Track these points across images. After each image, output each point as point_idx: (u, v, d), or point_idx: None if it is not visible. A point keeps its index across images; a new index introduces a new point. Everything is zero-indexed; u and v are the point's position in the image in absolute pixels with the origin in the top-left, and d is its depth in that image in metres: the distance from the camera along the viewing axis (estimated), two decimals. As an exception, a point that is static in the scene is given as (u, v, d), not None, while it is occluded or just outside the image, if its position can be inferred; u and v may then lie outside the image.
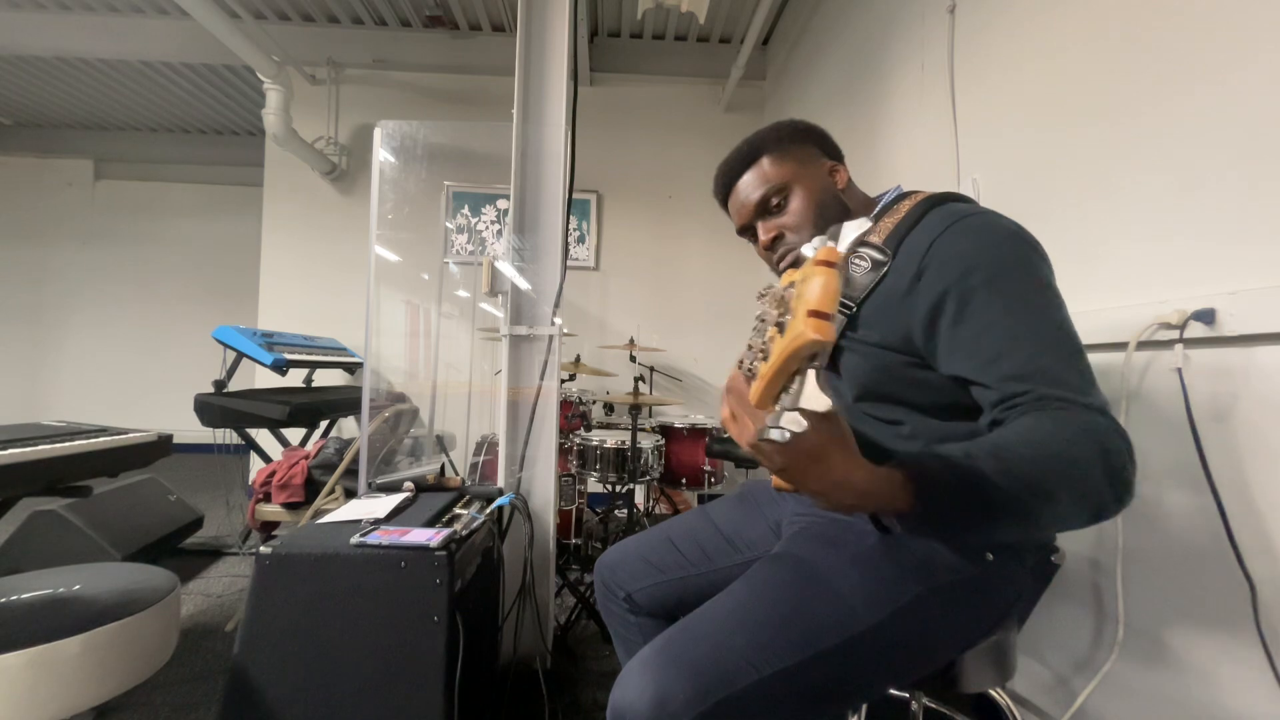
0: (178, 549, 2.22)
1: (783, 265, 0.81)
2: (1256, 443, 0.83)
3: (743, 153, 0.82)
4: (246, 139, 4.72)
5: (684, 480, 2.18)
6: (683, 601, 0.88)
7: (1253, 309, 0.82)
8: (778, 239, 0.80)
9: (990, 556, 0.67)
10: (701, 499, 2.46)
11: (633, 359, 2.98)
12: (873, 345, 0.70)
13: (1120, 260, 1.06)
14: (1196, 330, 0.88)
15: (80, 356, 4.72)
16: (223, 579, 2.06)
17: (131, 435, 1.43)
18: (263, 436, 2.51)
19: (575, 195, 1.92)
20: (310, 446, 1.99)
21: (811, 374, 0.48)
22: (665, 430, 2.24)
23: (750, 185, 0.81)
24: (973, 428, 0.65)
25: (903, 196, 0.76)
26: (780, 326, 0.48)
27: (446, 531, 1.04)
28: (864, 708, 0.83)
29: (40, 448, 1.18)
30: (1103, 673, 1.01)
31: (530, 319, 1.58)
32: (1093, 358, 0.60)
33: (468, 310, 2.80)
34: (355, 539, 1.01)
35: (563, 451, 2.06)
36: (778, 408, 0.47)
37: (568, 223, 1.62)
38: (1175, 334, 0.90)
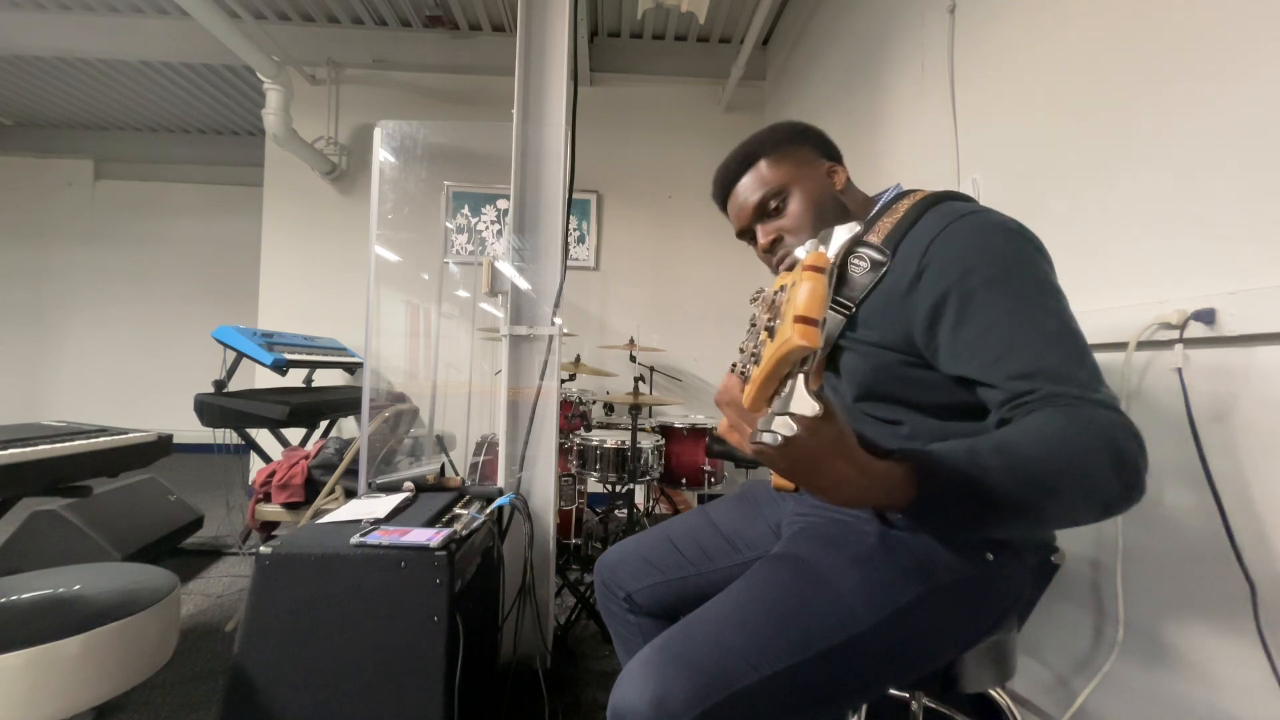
0: (178, 549, 2.22)
1: (782, 267, 0.80)
2: (1256, 443, 0.83)
3: (740, 156, 0.82)
4: (246, 139, 4.72)
5: (684, 480, 2.18)
6: (683, 601, 0.88)
7: (1253, 309, 0.82)
8: (777, 241, 0.80)
9: (990, 556, 0.67)
10: (701, 499, 2.46)
11: (633, 359, 2.98)
12: (872, 345, 0.70)
13: (1120, 260, 1.06)
14: (1196, 330, 0.88)
15: (80, 356, 4.72)
16: (223, 579, 2.06)
17: (131, 435, 1.43)
18: (263, 436, 2.51)
19: (575, 195, 1.92)
20: (310, 446, 1.99)
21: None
22: (665, 430, 2.24)
23: (748, 188, 0.80)
24: (973, 428, 0.65)
25: (901, 195, 0.76)
26: (770, 331, 0.48)
27: (446, 531, 1.04)
28: (864, 708, 0.82)
29: (40, 448, 1.18)
30: (1103, 673, 1.01)
31: (530, 319, 1.59)
32: (1093, 358, 0.60)
33: (468, 310, 2.80)
34: (355, 539, 1.01)
35: (563, 451, 2.05)
36: (770, 411, 0.47)
37: (568, 223, 1.62)
38: (1175, 334, 0.90)
